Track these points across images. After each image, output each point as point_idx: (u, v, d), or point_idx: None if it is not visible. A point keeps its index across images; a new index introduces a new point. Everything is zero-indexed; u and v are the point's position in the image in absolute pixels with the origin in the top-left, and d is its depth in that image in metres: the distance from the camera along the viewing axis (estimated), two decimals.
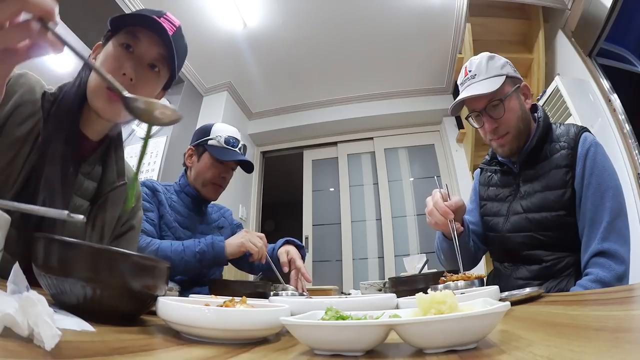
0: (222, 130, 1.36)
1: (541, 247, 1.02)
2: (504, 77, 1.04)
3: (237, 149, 1.35)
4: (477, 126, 1.12)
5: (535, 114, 1.11)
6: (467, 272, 0.83)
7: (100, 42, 0.78)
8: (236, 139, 1.36)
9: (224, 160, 1.31)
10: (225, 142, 1.33)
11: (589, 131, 1.06)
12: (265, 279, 1.19)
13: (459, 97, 1.09)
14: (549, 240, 1.02)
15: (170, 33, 0.74)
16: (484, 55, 1.09)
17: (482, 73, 1.06)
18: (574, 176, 1.00)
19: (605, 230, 0.92)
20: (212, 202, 1.45)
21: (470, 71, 1.09)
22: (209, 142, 1.33)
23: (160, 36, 0.74)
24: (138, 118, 0.48)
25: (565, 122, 1.15)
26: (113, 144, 0.84)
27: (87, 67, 0.76)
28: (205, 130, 1.37)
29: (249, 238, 1.15)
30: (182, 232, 1.27)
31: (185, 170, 1.38)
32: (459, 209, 1.01)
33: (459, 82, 1.14)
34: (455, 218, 0.99)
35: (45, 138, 0.68)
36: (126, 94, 0.46)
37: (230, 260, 1.20)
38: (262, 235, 1.19)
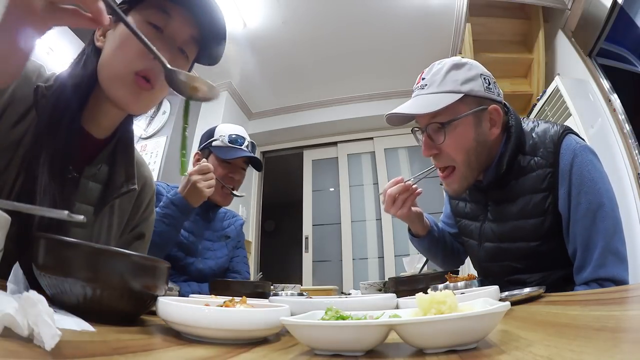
0: (225, 130, 1.32)
1: (522, 272, 0.92)
2: (461, 95, 0.84)
3: (243, 147, 1.29)
4: (420, 144, 0.95)
5: (509, 128, 0.91)
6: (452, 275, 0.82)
7: (110, 16, 0.66)
8: (241, 136, 1.31)
9: (229, 159, 1.26)
10: (229, 141, 1.28)
11: (571, 131, 0.89)
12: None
13: (393, 110, 0.91)
14: (529, 267, 0.91)
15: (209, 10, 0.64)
16: (450, 61, 0.89)
17: (435, 84, 0.86)
18: (555, 200, 0.85)
19: (601, 256, 0.80)
20: (225, 207, 1.39)
21: (423, 79, 0.90)
22: (213, 144, 1.29)
23: (196, 15, 0.63)
24: (180, 92, 0.50)
25: (542, 122, 0.94)
26: (122, 142, 0.72)
27: (93, 44, 0.65)
28: (209, 133, 1.33)
29: (207, 186, 1.07)
30: (187, 236, 1.23)
31: None
32: (410, 190, 0.98)
33: (413, 88, 0.95)
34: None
35: (39, 141, 0.58)
36: (169, 66, 0.49)
37: None
38: (205, 167, 1.10)
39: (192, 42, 0.67)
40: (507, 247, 0.92)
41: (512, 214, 0.90)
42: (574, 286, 0.85)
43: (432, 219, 1.13)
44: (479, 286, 0.75)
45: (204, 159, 1.30)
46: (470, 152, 0.87)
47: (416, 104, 0.88)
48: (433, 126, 0.87)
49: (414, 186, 0.97)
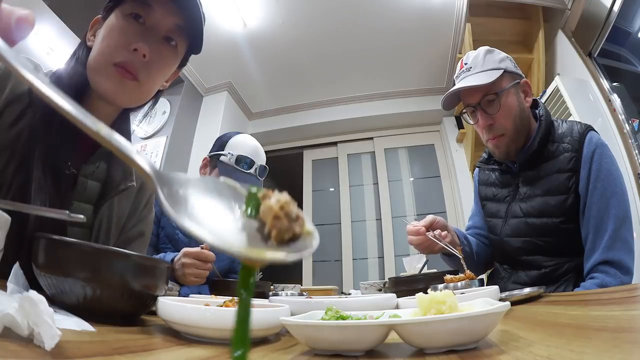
0: (237, 146, 1.21)
1: (540, 253, 0.99)
2: (502, 71, 0.99)
3: (250, 171, 1.19)
4: (471, 122, 1.07)
5: (537, 111, 1.05)
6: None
7: (100, 16, 0.66)
8: (249, 159, 1.20)
9: None
10: (235, 162, 1.18)
11: (594, 129, 1.01)
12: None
13: (452, 89, 1.04)
14: (548, 246, 0.98)
15: None
16: (483, 48, 1.05)
17: (478, 66, 1.01)
18: (577, 181, 0.95)
19: (611, 238, 0.89)
20: None
21: (466, 64, 1.04)
22: (221, 158, 1.20)
23: (177, 4, 0.63)
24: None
25: (568, 120, 1.10)
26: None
27: (85, 44, 0.66)
28: (222, 143, 1.24)
29: (194, 275, 0.97)
30: (187, 241, 1.17)
31: None
32: (436, 223, 1.00)
33: (455, 77, 1.09)
34: (441, 230, 0.99)
35: (34, 138, 0.58)
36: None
37: None
38: (204, 255, 0.98)
39: (179, 32, 0.66)
40: (531, 222, 1.00)
41: (540, 191, 1.00)
42: (581, 281, 0.91)
43: (462, 235, 1.14)
44: (479, 286, 0.75)
45: (215, 170, 1.21)
46: (517, 118, 1.01)
47: (472, 81, 1.00)
48: (489, 98, 1.00)
49: (434, 236, 0.97)
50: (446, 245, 0.95)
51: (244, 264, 0.20)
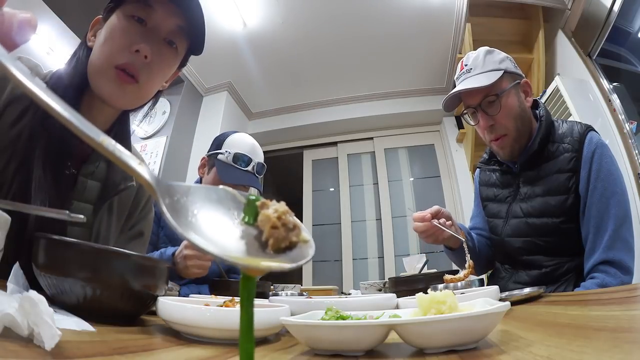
0: (234, 145, 1.21)
1: (540, 253, 1.00)
2: (502, 72, 0.99)
3: (248, 168, 1.20)
4: (472, 123, 1.07)
5: (537, 111, 1.06)
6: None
7: (100, 16, 0.67)
8: (247, 156, 1.20)
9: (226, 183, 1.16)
10: (233, 160, 1.18)
11: (594, 129, 1.01)
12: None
13: (452, 91, 1.05)
14: (549, 246, 0.99)
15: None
16: (482, 49, 1.05)
17: (479, 67, 1.01)
18: (578, 181, 0.95)
19: (611, 238, 0.89)
20: None
21: (466, 65, 1.04)
22: (219, 156, 1.21)
23: (179, 5, 0.64)
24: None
25: (568, 120, 1.10)
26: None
27: (85, 44, 0.67)
28: (219, 142, 1.25)
29: (197, 267, 0.98)
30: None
31: (201, 179, 1.30)
32: (441, 213, 1.00)
33: (455, 78, 1.10)
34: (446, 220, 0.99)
35: (35, 138, 0.58)
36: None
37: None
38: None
39: (180, 33, 0.66)
40: (532, 222, 1.01)
41: (541, 191, 1.00)
42: (582, 281, 0.91)
43: (465, 230, 1.14)
44: (479, 286, 0.75)
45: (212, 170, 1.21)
46: (517, 118, 1.01)
47: (472, 83, 1.00)
48: (489, 99, 1.00)
49: (439, 224, 0.97)
50: (454, 233, 0.95)
51: (244, 273, 0.20)
